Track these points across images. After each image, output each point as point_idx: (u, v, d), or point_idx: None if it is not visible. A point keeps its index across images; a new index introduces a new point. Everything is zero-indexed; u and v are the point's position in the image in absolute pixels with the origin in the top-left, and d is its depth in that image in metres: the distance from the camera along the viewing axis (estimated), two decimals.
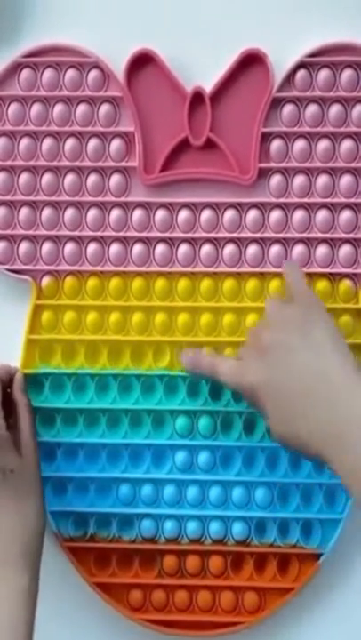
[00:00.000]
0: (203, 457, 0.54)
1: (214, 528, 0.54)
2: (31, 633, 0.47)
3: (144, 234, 0.54)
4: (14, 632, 0.46)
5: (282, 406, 0.46)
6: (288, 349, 0.47)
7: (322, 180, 0.54)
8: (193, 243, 0.54)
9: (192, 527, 0.54)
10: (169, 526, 0.54)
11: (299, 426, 0.46)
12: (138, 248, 0.55)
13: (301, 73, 0.53)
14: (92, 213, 0.54)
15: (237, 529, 0.54)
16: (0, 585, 0.48)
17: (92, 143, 0.54)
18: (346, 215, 0.54)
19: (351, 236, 0.54)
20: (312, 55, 0.53)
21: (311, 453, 0.46)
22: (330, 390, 0.45)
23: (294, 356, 0.47)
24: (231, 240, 0.54)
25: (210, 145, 0.54)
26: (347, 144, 0.53)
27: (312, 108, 0.53)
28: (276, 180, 0.54)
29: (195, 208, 0.54)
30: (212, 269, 0.54)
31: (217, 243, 0.54)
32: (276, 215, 0.54)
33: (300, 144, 0.53)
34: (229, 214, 0.54)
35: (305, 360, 0.46)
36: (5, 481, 0.49)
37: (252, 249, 0.54)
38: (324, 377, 0.45)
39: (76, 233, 0.54)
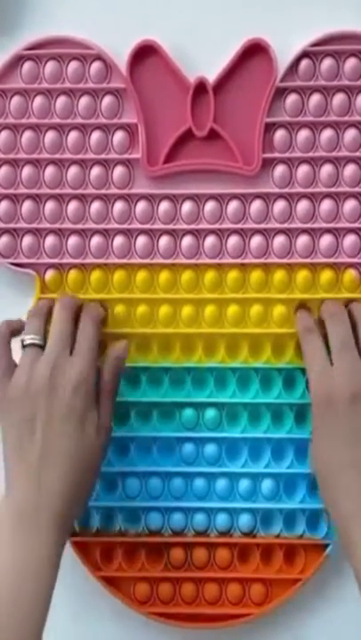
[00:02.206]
0: (209, 449, 0.54)
1: (220, 520, 0.54)
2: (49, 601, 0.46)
3: (148, 226, 0.54)
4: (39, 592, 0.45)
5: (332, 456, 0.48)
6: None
7: (326, 169, 0.53)
8: (197, 234, 0.54)
9: (198, 519, 0.54)
10: (175, 519, 0.54)
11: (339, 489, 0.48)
12: (141, 240, 0.54)
13: (305, 62, 0.53)
14: (96, 206, 0.54)
15: (244, 521, 0.54)
16: (32, 540, 0.46)
17: (95, 135, 0.54)
18: (350, 205, 0.53)
19: (356, 225, 0.53)
20: (315, 44, 0.53)
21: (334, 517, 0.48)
22: None
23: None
24: (235, 231, 0.54)
25: (213, 136, 0.53)
26: (351, 133, 0.53)
27: (316, 98, 0.53)
28: (279, 170, 0.54)
29: (198, 199, 0.54)
30: (216, 261, 0.54)
31: (221, 234, 0.54)
32: (280, 205, 0.54)
33: (303, 134, 0.53)
34: (233, 205, 0.54)
35: None
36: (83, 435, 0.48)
37: (257, 240, 0.54)
38: None
39: (80, 226, 0.54)
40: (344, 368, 0.49)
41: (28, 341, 0.50)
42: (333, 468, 0.48)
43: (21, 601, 0.44)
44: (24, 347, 0.50)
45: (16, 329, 0.51)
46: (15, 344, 0.51)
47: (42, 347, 0.49)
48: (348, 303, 0.53)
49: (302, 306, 0.54)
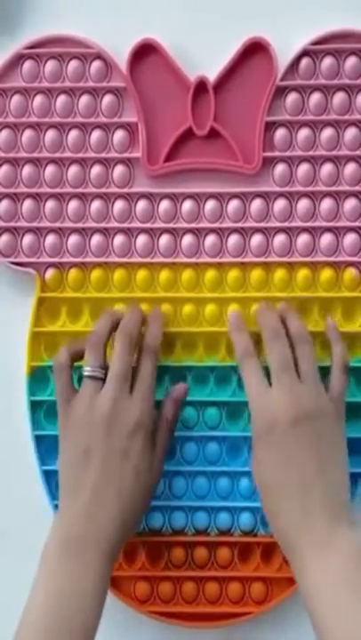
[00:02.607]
0: (209, 448, 0.54)
1: (221, 519, 0.54)
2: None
3: (148, 225, 0.54)
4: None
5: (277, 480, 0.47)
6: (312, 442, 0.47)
7: (326, 168, 0.53)
8: (197, 233, 0.54)
9: (199, 518, 0.54)
10: (175, 518, 0.54)
11: (281, 511, 0.47)
12: (142, 239, 0.54)
13: (305, 61, 0.53)
14: (96, 205, 0.54)
15: (244, 519, 0.54)
16: (81, 568, 0.46)
17: (96, 134, 0.54)
18: (350, 203, 0.53)
19: (356, 224, 0.53)
20: (316, 43, 0.53)
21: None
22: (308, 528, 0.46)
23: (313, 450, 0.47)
24: (235, 230, 0.54)
25: (214, 135, 0.53)
26: (351, 132, 0.53)
27: (316, 97, 0.53)
28: (280, 168, 0.54)
29: (199, 198, 0.54)
30: (216, 260, 0.54)
31: (221, 233, 0.54)
32: (280, 204, 0.54)
33: (304, 132, 0.53)
34: (234, 204, 0.54)
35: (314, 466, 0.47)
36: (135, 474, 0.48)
37: (257, 239, 0.54)
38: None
39: (80, 225, 0.54)
40: (284, 391, 0.48)
41: (87, 373, 0.49)
42: (276, 489, 0.47)
43: (66, 631, 0.44)
44: (84, 377, 0.50)
45: (76, 354, 0.51)
46: None
47: (102, 379, 0.49)
48: (282, 311, 0.52)
49: (236, 328, 0.53)
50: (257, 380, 0.49)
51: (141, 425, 0.48)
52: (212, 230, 0.54)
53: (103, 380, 0.49)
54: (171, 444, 0.52)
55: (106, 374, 0.49)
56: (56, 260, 0.55)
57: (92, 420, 0.48)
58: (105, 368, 0.49)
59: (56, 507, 0.54)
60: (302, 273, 0.54)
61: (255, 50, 0.53)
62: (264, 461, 0.48)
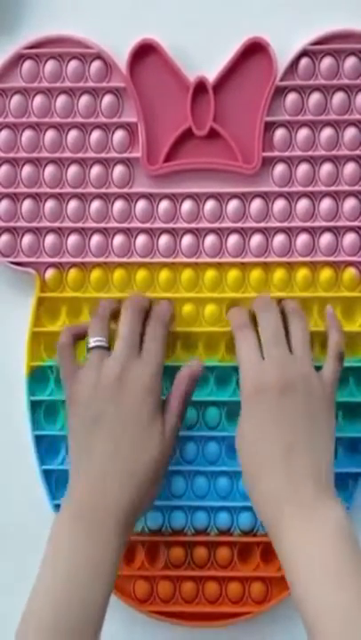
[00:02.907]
0: (209, 448, 0.54)
1: (221, 519, 0.54)
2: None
3: (148, 225, 0.54)
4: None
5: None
6: (300, 411, 0.47)
7: (326, 168, 0.53)
8: (197, 233, 0.54)
9: (198, 518, 0.54)
10: (175, 517, 0.54)
11: (261, 476, 0.46)
12: (141, 239, 0.54)
13: (304, 61, 0.53)
14: (96, 205, 0.54)
15: (244, 519, 0.54)
16: (94, 537, 0.45)
17: (95, 134, 0.54)
18: (350, 203, 0.53)
19: (355, 224, 0.54)
20: (315, 43, 0.53)
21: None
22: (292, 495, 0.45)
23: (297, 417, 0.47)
24: (235, 230, 0.54)
25: (213, 135, 0.53)
26: (350, 132, 0.53)
27: (315, 97, 0.53)
28: (279, 169, 0.54)
29: (198, 198, 0.54)
30: (216, 260, 0.54)
31: (221, 233, 0.54)
32: (280, 204, 0.54)
33: (303, 132, 0.53)
34: (233, 204, 0.54)
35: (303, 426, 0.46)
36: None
37: (256, 239, 0.54)
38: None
39: (80, 225, 0.54)
40: (274, 361, 0.48)
41: (93, 344, 0.49)
42: (260, 453, 0.47)
43: (79, 604, 0.43)
44: (89, 349, 0.49)
45: (78, 332, 0.51)
46: None
47: (107, 349, 0.49)
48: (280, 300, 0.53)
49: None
50: (249, 350, 0.49)
51: (151, 390, 0.48)
52: (212, 230, 0.54)
53: (109, 349, 0.49)
54: (184, 417, 0.51)
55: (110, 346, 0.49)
56: (56, 259, 0.55)
57: (100, 384, 0.47)
58: (110, 340, 0.49)
59: (56, 507, 0.54)
60: (302, 273, 0.54)
61: (255, 50, 0.53)
62: (249, 426, 0.47)
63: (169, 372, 0.54)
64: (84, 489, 0.46)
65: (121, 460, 0.47)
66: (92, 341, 0.49)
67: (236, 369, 0.54)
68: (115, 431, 0.47)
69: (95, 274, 0.55)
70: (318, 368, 0.50)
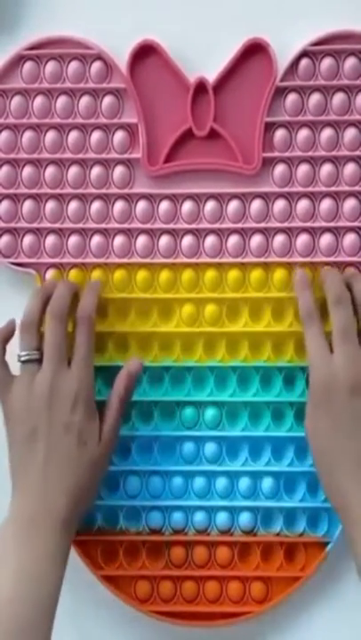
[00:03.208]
0: (209, 448, 0.54)
1: (221, 519, 0.54)
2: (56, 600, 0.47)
3: (148, 225, 0.54)
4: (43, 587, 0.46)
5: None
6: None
7: (326, 168, 0.54)
8: (197, 234, 0.54)
9: (199, 518, 0.54)
10: (176, 517, 0.55)
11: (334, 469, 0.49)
12: (142, 240, 0.55)
13: (305, 62, 0.53)
14: (96, 205, 0.54)
15: (244, 519, 0.54)
16: (37, 545, 0.47)
17: (96, 135, 0.54)
18: (350, 204, 0.54)
19: (355, 224, 0.54)
20: (315, 44, 0.53)
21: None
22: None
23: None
24: (235, 230, 0.54)
25: (213, 135, 0.54)
26: (350, 132, 0.53)
27: (315, 97, 0.53)
28: (279, 169, 0.54)
29: (198, 199, 0.54)
30: (216, 260, 0.54)
31: (221, 233, 0.54)
32: (280, 205, 0.54)
33: (303, 133, 0.53)
34: (233, 205, 0.54)
35: None
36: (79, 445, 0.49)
37: (257, 239, 0.54)
38: None
39: (80, 225, 0.54)
40: (344, 358, 0.49)
41: (24, 358, 0.50)
42: (333, 459, 0.49)
43: (27, 604, 0.45)
44: (21, 362, 0.51)
45: (7, 336, 0.52)
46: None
47: (38, 360, 0.50)
48: (348, 277, 0.53)
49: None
50: (318, 345, 0.50)
51: (79, 395, 0.49)
52: (212, 231, 0.54)
53: (41, 359, 0.50)
54: (123, 416, 0.52)
55: (42, 354, 0.50)
56: (56, 260, 0.55)
57: (33, 401, 0.49)
58: (40, 349, 0.50)
59: None
60: None
61: (255, 50, 0.53)
62: (319, 426, 0.49)
63: (169, 373, 0.54)
64: (25, 500, 0.48)
65: (58, 467, 0.48)
66: (23, 355, 0.51)
67: (234, 369, 0.54)
68: (50, 441, 0.48)
69: (96, 274, 0.55)
70: None
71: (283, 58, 0.53)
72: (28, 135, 0.54)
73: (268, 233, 0.54)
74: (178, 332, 0.54)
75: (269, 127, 0.53)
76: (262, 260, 0.54)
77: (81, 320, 0.51)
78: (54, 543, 0.47)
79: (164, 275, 0.55)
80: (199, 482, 0.55)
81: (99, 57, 0.54)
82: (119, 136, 0.54)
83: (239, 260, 0.54)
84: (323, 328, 0.51)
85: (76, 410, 0.49)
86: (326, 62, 0.53)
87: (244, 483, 0.54)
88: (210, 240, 0.54)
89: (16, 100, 0.54)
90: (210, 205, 0.54)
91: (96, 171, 0.54)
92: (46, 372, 0.50)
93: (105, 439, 0.50)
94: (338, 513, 0.49)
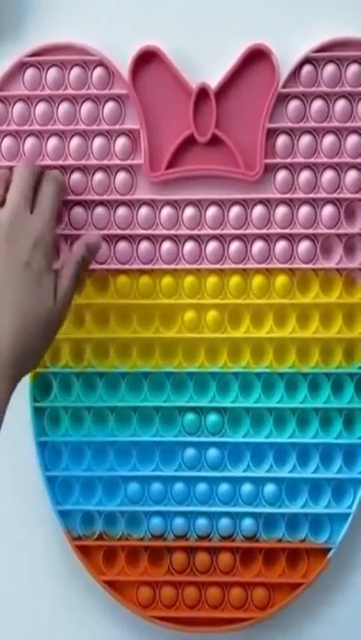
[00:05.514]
0: (211, 453, 0.55)
1: (223, 524, 0.54)
2: None
3: (150, 231, 0.54)
4: None
5: None
6: None
7: (328, 175, 0.53)
8: (199, 240, 0.54)
9: (201, 524, 0.55)
10: (177, 523, 0.55)
11: None
12: (144, 246, 0.55)
13: (307, 68, 0.53)
14: (98, 212, 0.54)
15: (246, 525, 0.54)
16: None
17: (98, 141, 0.54)
18: (352, 210, 0.54)
19: (357, 231, 0.54)
20: (317, 50, 0.53)
21: None
22: None
23: None
24: (237, 236, 0.54)
25: (215, 141, 0.54)
26: (352, 139, 0.53)
27: (318, 104, 0.53)
28: (281, 175, 0.54)
29: (200, 205, 0.54)
30: (217, 266, 0.54)
31: (223, 239, 0.54)
32: (281, 211, 0.54)
33: (305, 139, 0.53)
34: (235, 211, 0.54)
35: None
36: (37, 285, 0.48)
37: (258, 245, 0.54)
38: None
39: (82, 232, 0.54)
40: None
41: None
42: None
43: None
44: None
45: None
46: None
47: (1, 203, 0.50)
48: None
49: None
50: None
51: (40, 239, 0.49)
52: (214, 237, 0.54)
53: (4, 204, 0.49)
54: (77, 288, 0.51)
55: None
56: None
57: None
58: (5, 198, 0.50)
59: (60, 512, 0.54)
60: (303, 279, 0.54)
61: (257, 57, 0.53)
62: None
63: (171, 379, 0.55)
64: None
65: (9, 301, 0.47)
66: None
67: (236, 375, 0.54)
68: (4, 278, 0.48)
69: (97, 281, 0.55)
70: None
71: (285, 64, 0.53)
72: (30, 142, 0.54)
73: (269, 239, 0.54)
74: (180, 337, 0.54)
75: (271, 133, 0.53)
76: (264, 266, 0.54)
77: (49, 177, 0.51)
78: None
79: (166, 281, 0.55)
80: (201, 487, 0.55)
81: (100, 63, 0.54)
82: (121, 142, 0.54)
83: (241, 266, 0.54)
84: None
85: (36, 251, 0.48)
86: (329, 69, 0.53)
87: (246, 488, 0.54)
88: (211, 246, 0.54)
89: (18, 107, 0.54)
90: (212, 211, 0.54)
91: (98, 177, 0.54)
92: (9, 206, 0.49)
93: (59, 299, 0.49)
94: None
